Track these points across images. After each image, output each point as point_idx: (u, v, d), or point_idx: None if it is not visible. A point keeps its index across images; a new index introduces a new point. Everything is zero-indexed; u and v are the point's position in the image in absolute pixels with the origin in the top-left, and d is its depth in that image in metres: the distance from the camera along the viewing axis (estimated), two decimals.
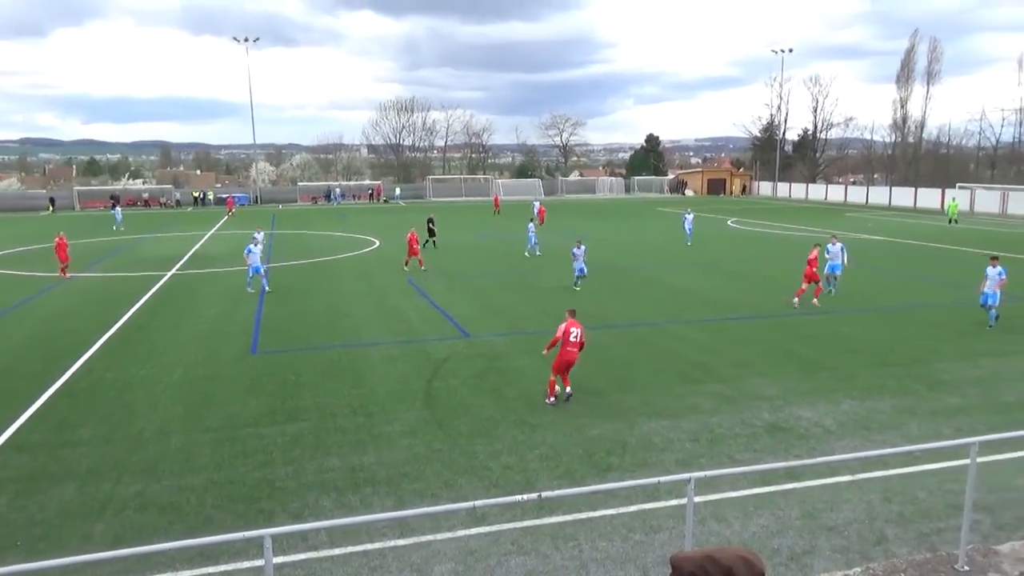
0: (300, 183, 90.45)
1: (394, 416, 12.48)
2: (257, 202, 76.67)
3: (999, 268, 18.57)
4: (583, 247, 24.41)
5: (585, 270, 24.29)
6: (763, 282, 25.82)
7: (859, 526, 8.61)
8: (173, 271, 29.45)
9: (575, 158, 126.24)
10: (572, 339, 12.83)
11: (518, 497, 6.57)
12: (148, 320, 20.46)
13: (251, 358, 16.41)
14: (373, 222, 52.43)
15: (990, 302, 18.50)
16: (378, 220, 54.32)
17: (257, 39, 74.17)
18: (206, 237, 43.19)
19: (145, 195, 77.52)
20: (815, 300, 21.46)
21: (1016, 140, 75.57)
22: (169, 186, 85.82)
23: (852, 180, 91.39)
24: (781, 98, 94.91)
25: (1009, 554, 7.59)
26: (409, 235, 29.09)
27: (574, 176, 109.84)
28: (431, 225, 36.07)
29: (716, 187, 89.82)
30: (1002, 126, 77.31)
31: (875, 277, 26.64)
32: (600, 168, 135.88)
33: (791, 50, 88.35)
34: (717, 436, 11.46)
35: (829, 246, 23.40)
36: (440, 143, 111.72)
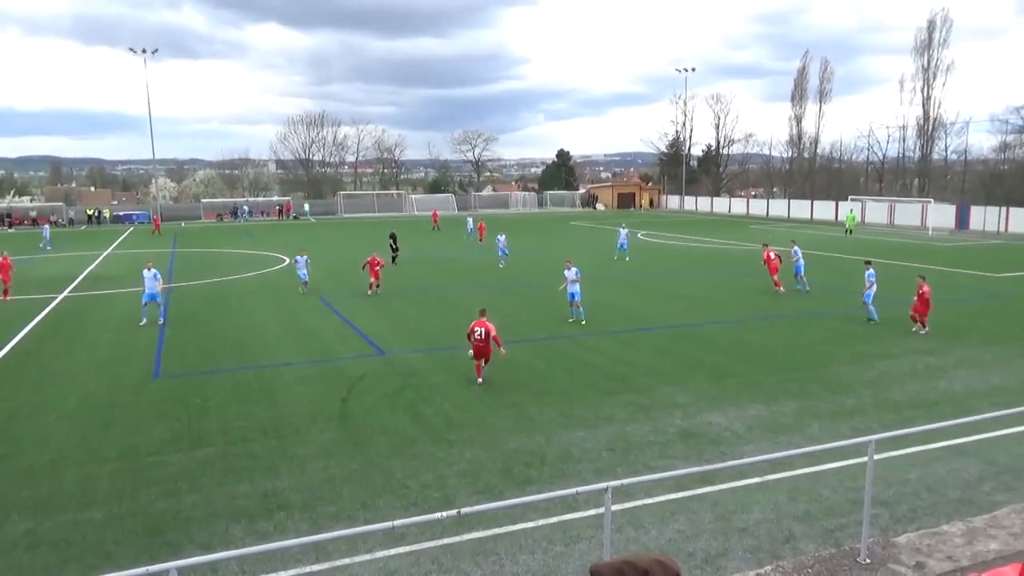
0: (204, 200, 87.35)
1: (308, 437, 12.17)
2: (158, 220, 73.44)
3: (870, 270, 21.34)
4: (574, 268, 21.45)
5: (578, 296, 21.22)
6: (674, 293, 26.60)
7: (768, 526, 8.95)
8: (65, 293, 27.85)
9: (488, 173, 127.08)
10: (477, 336, 14.79)
11: (437, 515, 6.53)
12: (38, 346, 19.25)
13: (153, 383, 15.67)
14: (282, 239, 51.16)
15: (867, 300, 21.02)
16: (288, 237, 53.04)
17: (156, 51, 71.51)
18: (102, 257, 41.06)
19: (33, 213, 73.00)
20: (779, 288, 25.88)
21: (900, 155, 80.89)
22: (60, 204, 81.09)
23: (753, 193, 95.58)
24: (686, 115, 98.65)
25: (906, 545, 8.05)
26: (370, 259, 26.89)
27: (487, 191, 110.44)
28: (393, 242, 35.60)
29: (626, 201, 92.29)
30: (888, 142, 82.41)
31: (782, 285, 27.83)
32: (513, 183, 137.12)
33: (694, 69, 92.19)
34: (632, 445, 11.70)
35: (793, 251, 27.02)
36: (351, 158, 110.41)
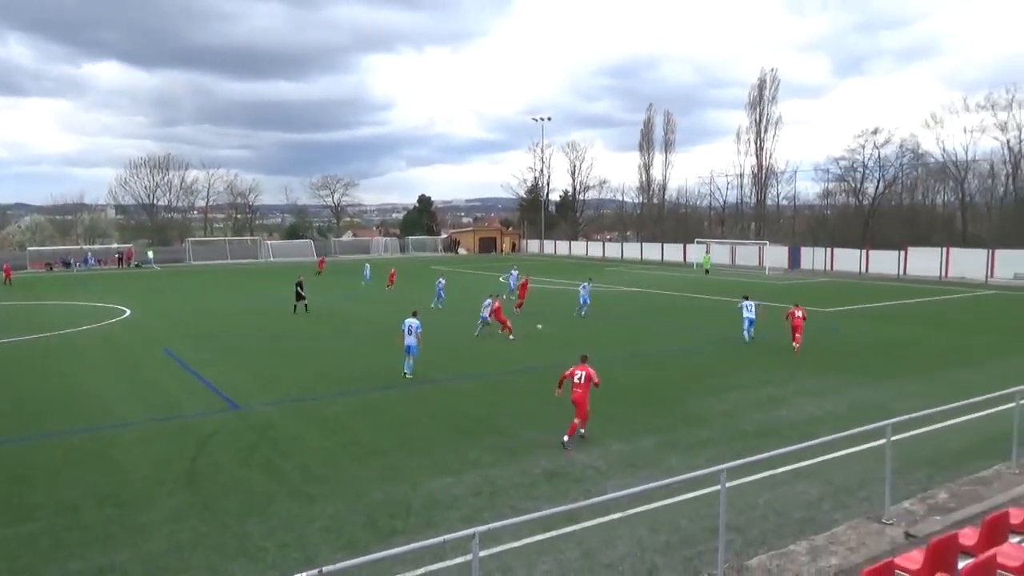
0: (30, 247, 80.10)
1: (152, 503, 11.26)
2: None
3: (748, 303, 25.13)
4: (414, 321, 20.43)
5: (415, 350, 20.24)
6: (536, 334, 27.12)
7: (632, 559, 9.18)
8: None
9: (348, 218, 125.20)
10: (577, 380, 13.94)
11: None
12: None
13: None
14: (122, 289, 47.77)
15: (751, 325, 24.93)
16: (128, 286, 49.60)
17: None
18: None
19: None
20: None
21: (739, 201, 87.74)
22: None
23: (608, 237, 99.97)
24: (543, 162, 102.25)
25: (758, 567, 8.50)
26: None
27: (347, 236, 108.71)
28: (299, 289, 34.10)
29: (488, 245, 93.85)
30: (727, 189, 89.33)
31: (636, 324, 29.10)
32: (374, 228, 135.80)
33: (550, 118, 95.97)
34: (499, 488, 11.70)
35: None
36: (201, 203, 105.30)
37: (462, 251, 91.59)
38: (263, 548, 9.68)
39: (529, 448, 13.66)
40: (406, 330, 19.97)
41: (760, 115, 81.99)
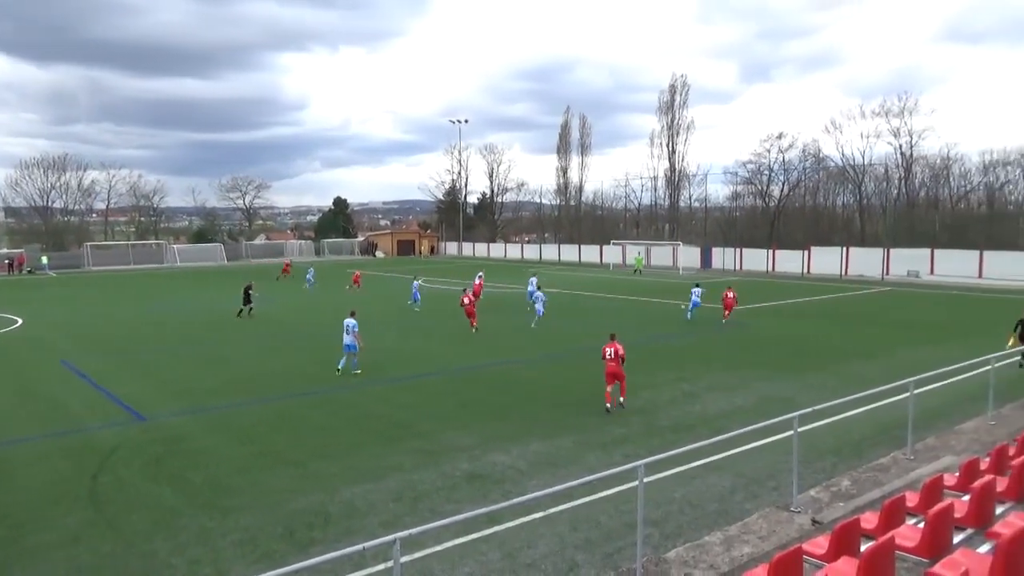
0: None
1: (50, 523, 10.63)
2: None
3: (701, 290, 30.98)
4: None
5: (354, 347, 20.59)
6: (457, 335, 27.07)
7: (554, 558, 9.28)
8: None
9: (260, 221, 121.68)
10: (609, 356, 16.14)
11: None
12: None
13: None
14: (13, 297, 44.97)
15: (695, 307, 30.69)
16: (20, 295, 46.73)
17: None
18: None
19: None
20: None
21: (653, 203, 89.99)
22: None
23: (527, 239, 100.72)
24: (461, 164, 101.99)
25: (675, 559, 8.72)
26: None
27: (260, 240, 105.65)
28: (248, 293, 32.86)
29: (406, 248, 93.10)
30: (642, 191, 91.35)
31: (553, 325, 29.40)
32: (288, 231, 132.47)
33: (467, 120, 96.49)
34: (420, 493, 11.61)
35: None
36: (101, 206, 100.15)
37: (380, 254, 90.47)
38: (171, 566, 9.29)
39: (450, 451, 13.62)
40: (344, 330, 20.64)
41: (672, 119, 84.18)
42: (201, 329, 30.08)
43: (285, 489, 11.83)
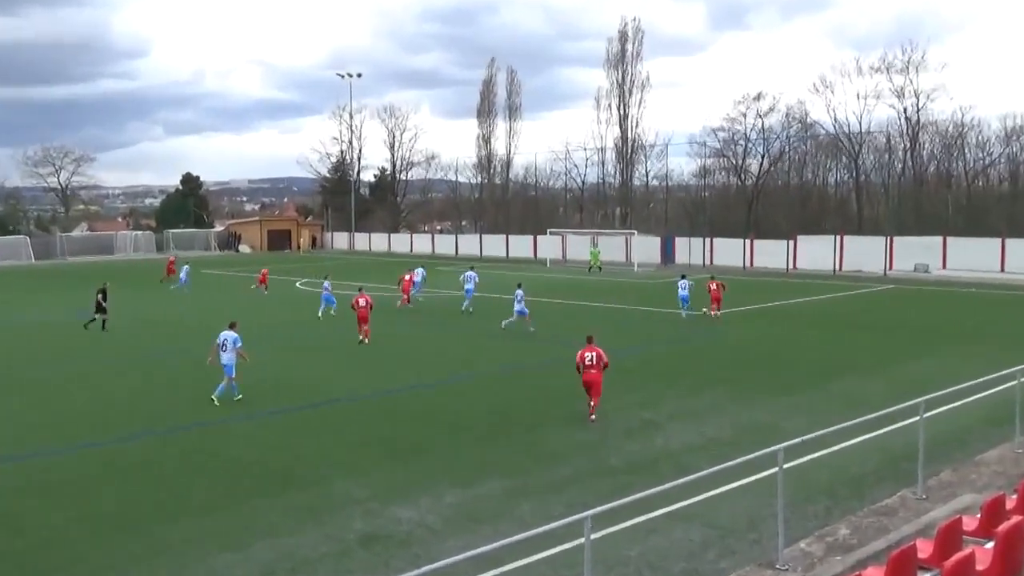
0: None
1: None
2: None
3: (689, 282, 34.27)
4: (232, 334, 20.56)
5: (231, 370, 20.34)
6: (363, 352, 26.76)
7: None
8: None
9: (82, 206, 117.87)
10: (588, 362, 18.07)
11: None
12: None
13: None
14: None
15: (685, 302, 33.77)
16: None
17: None
18: None
19: None
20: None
21: (600, 180, 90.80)
22: None
23: (439, 228, 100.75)
24: (352, 131, 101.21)
25: None
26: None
27: (81, 231, 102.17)
28: (101, 299, 32.13)
29: (280, 241, 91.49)
30: (587, 166, 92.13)
31: (476, 337, 29.41)
32: (120, 219, 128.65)
33: (360, 75, 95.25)
34: (300, 562, 11.39)
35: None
36: None
37: (244, 248, 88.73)
38: None
39: (341, 505, 13.43)
40: (220, 345, 19.82)
41: (623, 75, 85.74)
42: (8, 345, 28.82)
43: (118, 565, 11.42)
